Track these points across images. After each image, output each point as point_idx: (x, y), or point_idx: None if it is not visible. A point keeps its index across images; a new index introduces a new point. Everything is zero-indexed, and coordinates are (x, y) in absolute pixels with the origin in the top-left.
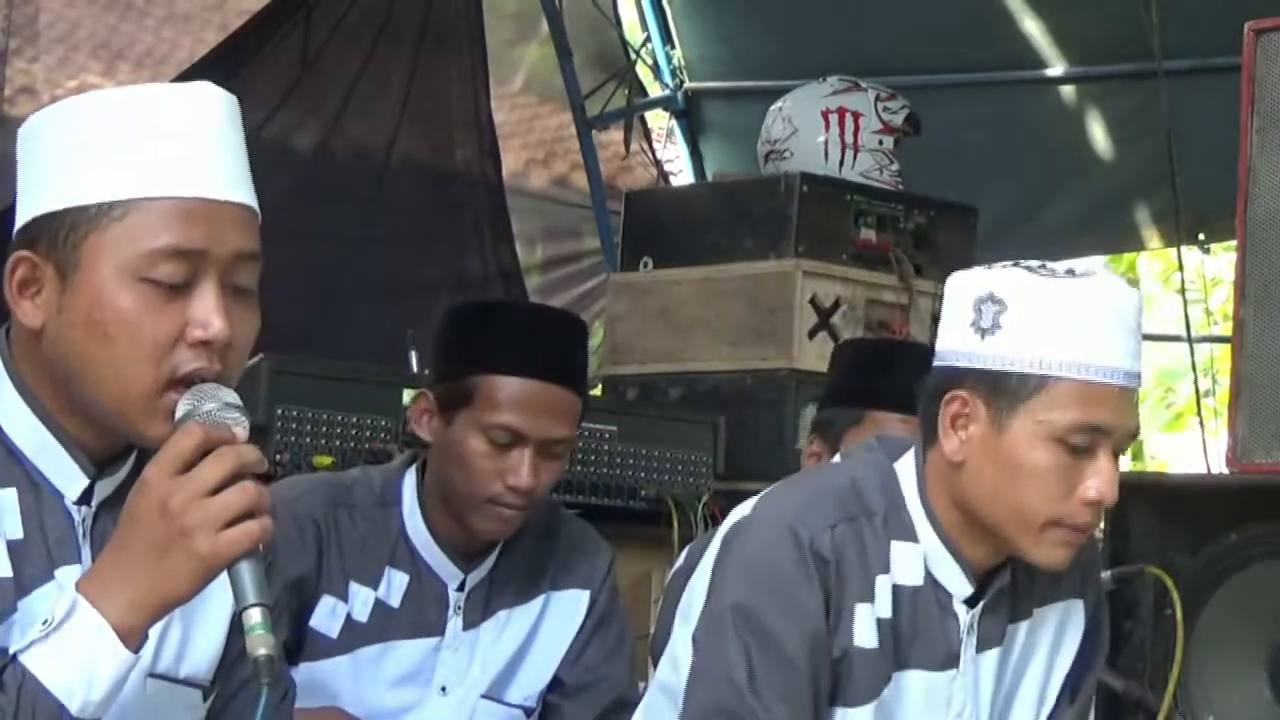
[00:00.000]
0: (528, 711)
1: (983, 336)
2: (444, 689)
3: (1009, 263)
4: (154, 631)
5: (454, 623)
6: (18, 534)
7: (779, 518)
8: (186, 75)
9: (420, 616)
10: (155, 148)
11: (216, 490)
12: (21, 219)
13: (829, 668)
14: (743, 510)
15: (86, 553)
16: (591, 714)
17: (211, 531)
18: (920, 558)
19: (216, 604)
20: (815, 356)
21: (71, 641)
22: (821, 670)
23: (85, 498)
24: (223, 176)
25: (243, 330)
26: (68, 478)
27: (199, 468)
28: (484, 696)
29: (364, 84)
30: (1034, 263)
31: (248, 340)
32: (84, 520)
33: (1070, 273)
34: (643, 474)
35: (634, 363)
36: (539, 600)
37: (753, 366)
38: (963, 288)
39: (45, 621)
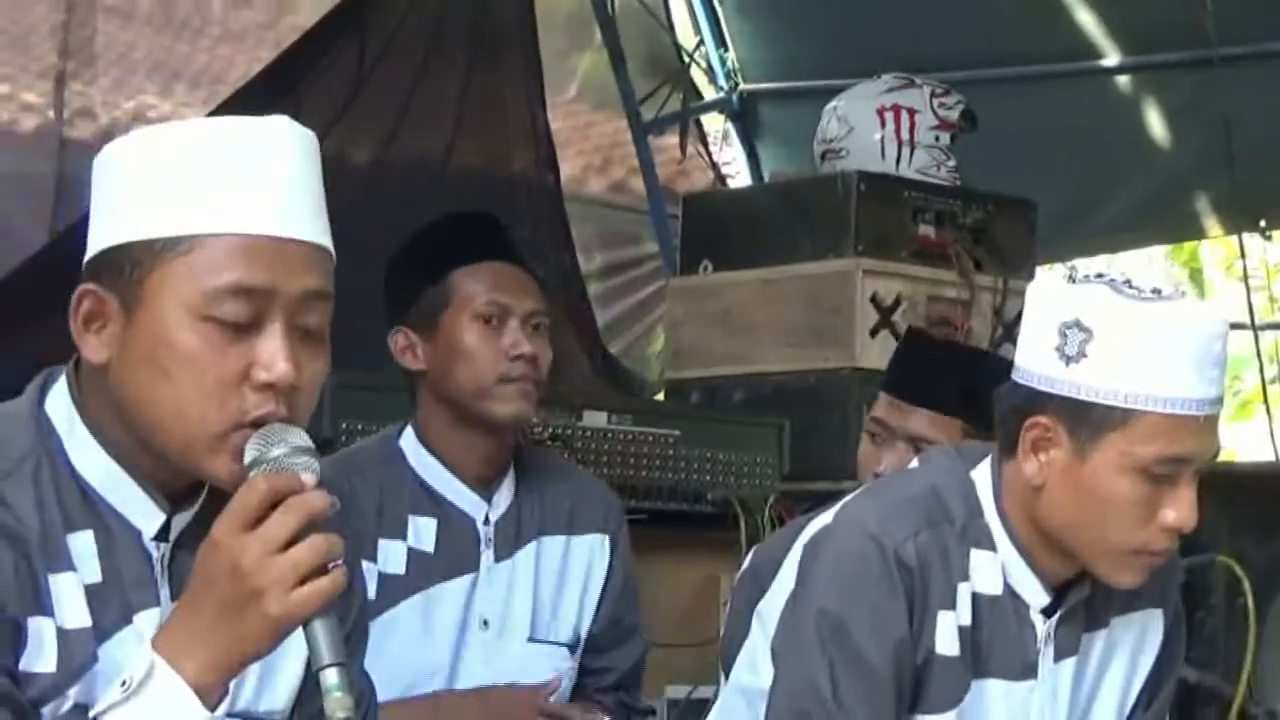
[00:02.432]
0: (571, 649)
1: (1067, 364)
2: (485, 623)
3: (1094, 276)
4: None
5: (486, 555)
6: (96, 578)
7: (862, 526)
8: (242, 93)
9: (455, 556)
10: (223, 183)
11: (288, 545)
12: (91, 250)
13: (911, 676)
14: (824, 519)
15: (165, 593)
16: (629, 665)
17: (283, 592)
18: (999, 567)
19: (295, 636)
20: (877, 355)
21: (151, 704)
22: (904, 679)
23: (162, 534)
24: (293, 213)
25: (310, 373)
26: (144, 515)
27: (268, 523)
28: (530, 640)
29: (419, 97)
30: (1119, 278)
31: (315, 383)
32: (162, 557)
33: (1157, 292)
34: (708, 477)
35: (696, 367)
36: (561, 540)
37: (815, 367)
38: (1047, 306)
39: (124, 683)
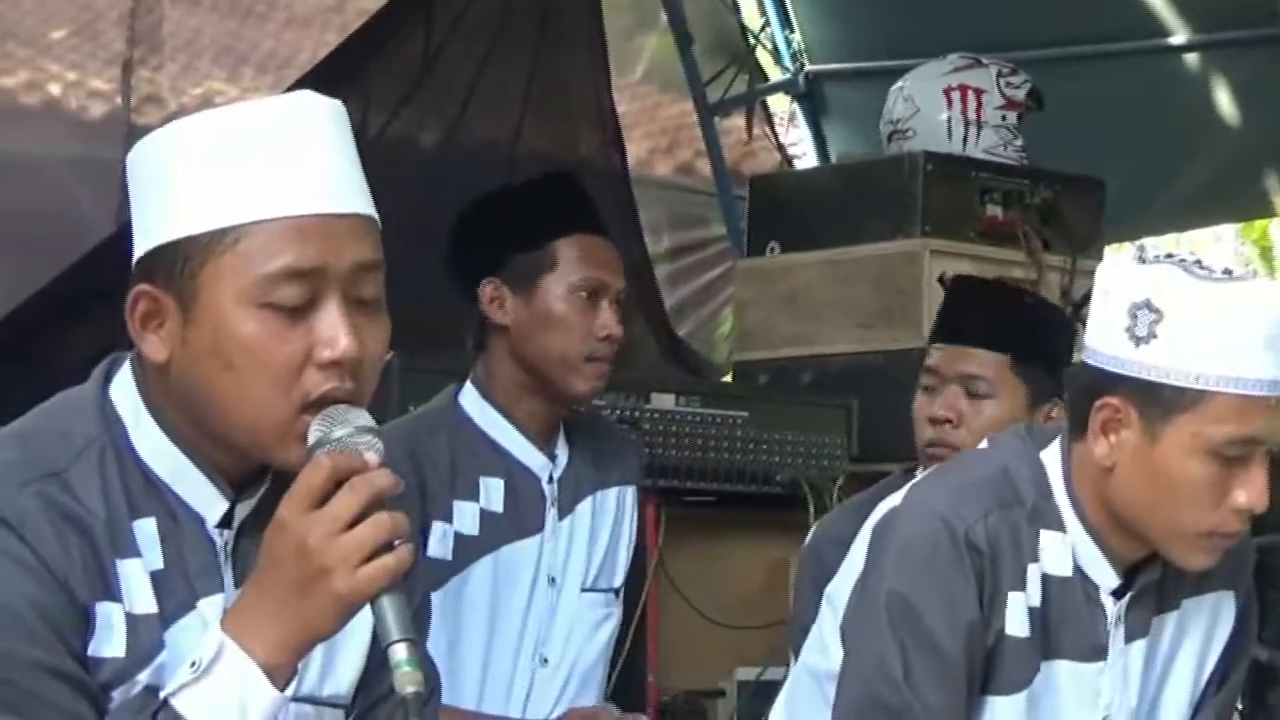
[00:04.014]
0: (616, 592)
1: (1137, 345)
2: (552, 580)
3: (1164, 256)
4: None
5: (551, 514)
6: (160, 564)
7: (932, 508)
8: (308, 77)
9: (522, 516)
10: (260, 168)
11: (353, 524)
12: (138, 251)
13: (982, 657)
14: (893, 500)
15: (229, 578)
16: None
17: (349, 570)
18: (1068, 548)
19: (357, 621)
20: None
21: (222, 683)
22: (975, 660)
23: (225, 521)
24: (333, 188)
25: (372, 344)
26: (208, 502)
27: (332, 502)
28: (585, 590)
29: (485, 80)
30: (1190, 258)
31: (378, 354)
32: (226, 544)
33: (1228, 273)
34: (776, 459)
35: (764, 348)
36: (613, 492)
37: (883, 348)
38: (1117, 287)
39: (193, 664)
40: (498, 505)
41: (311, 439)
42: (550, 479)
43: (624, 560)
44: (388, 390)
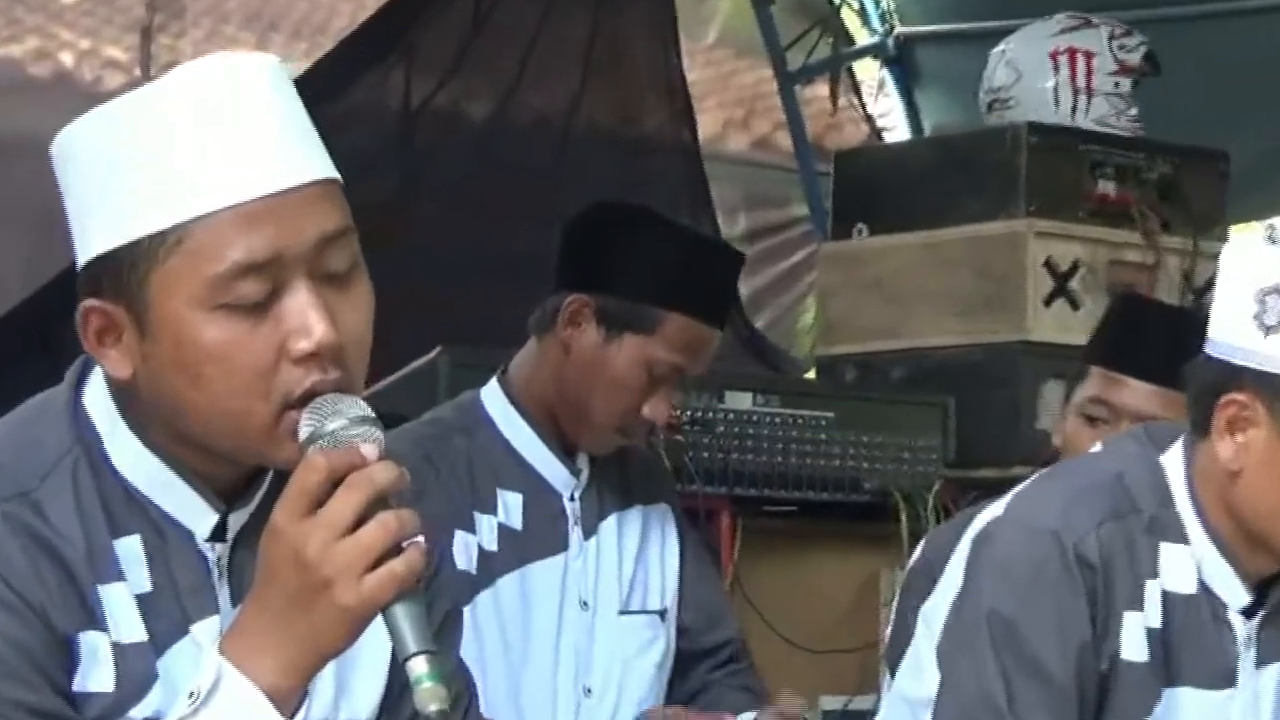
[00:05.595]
0: (662, 615)
1: (1266, 334)
2: (584, 603)
3: None
4: None
5: (575, 533)
6: (146, 586)
7: (1037, 519)
8: (346, 43)
9: (545, 534)
10: (190, 155)
11: (354, 527)
12: (79, 262)
13: (1095, 685)
14: (993, 511)
15: (224, 598)
16: (736, 633)
17: (354, 579)
18: (1192, 562)
19: (372, 638)
20: (1052, 326)
21: (222, 714)
22: (1087, 688)
23: (218, 535)
24: (277, 161)
25: (352, 323)
26: (195, 515)
27: (329, 505)
28: (623, 613)
29: (541, 45)
30: None
31: (362, 330)
32: (219, 559)
33: None
34: (864, 464)
35: (850, 341)
36: (637, 511)
37: (983, 340)
38: (1243, 270)
39: (191, 694)
40: (517, 522)
41: (302, 434)
42: (573, 496)
43: (664, 581)
44: (434, 389)
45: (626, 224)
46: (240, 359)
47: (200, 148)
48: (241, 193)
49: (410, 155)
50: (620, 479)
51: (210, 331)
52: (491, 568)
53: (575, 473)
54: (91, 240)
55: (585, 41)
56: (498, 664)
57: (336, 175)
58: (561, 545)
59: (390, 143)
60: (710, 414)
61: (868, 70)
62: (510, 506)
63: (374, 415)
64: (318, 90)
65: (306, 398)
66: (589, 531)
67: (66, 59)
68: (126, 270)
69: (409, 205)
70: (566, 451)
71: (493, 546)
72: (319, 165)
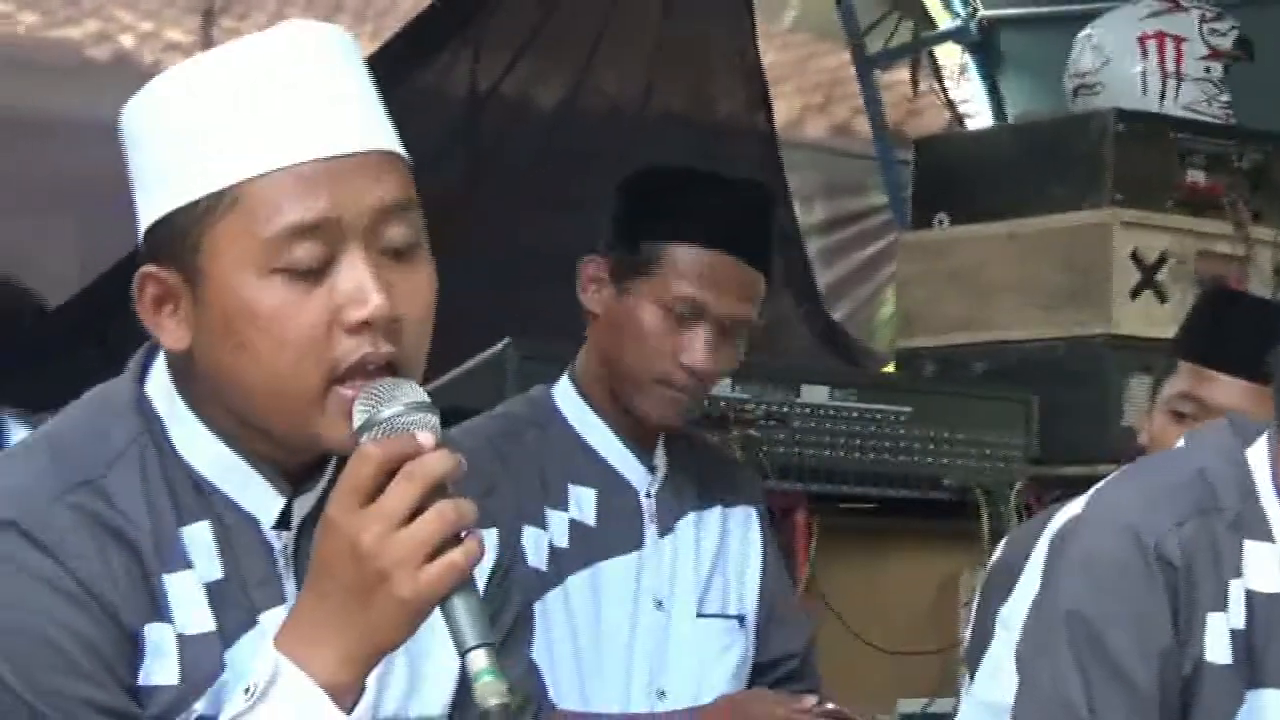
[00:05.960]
0: (741, 621)
1: None
2: (659, 603)
3: None
4: (374, 672)
5: (650, 531)
6: (216, 574)
7: (1117, 517)
8: (411, 26)
9: (619, 531)
10: (251, 115)
11: (411, 517)
12: (141, 231)
13: (1177, 688)
14: (1073, 509)
15: (290, 586)
16: (804, 645)
17: (412, 570)
18: (1277, 560)
19: (445, 633)
20: (1139, 319)
21: (280, 710)
22: (1169, 691)
23: (283, 523)
24: (339, 125)
25: (412, 297)
26: (261, 501)
27: (386, 495)
28: (700, 615)
29: (613, 28)
30: None
31: (423, 307)
32: (285, 547)
33: None
34: (944, 461)
35: (930, 334)
36: (717, 512)
37: (1067, 333)
38: None
39: (248, 690)
40: (590, 518)
41: (356, 421)
42: (649, 493)
43: (744, 587)
44: (501, 381)
45: (635, 179)
46: (291, 326)
47: (258, 109)
48: (297, 153)
49: (476, 142)
50: (701, 477)
51: (262, 296)
52: (561, 565)
53: (651, 468)
54: (151, 205)
55: (658, 25)
56: (567, 664)
57: (400, 150)
58: (636, 543)
59: (456, 130)
60: (786, 408)
61: (949, 54)
62: (583, 502)
63: (429, 401)
64: (381, 76)
65: (357, 370)
66: (665, 529)
67: (127, 41)
68: (180, 235)
69: (474, 194)
70: (643, 446)
71: (564, 543)
72: (381, 136)
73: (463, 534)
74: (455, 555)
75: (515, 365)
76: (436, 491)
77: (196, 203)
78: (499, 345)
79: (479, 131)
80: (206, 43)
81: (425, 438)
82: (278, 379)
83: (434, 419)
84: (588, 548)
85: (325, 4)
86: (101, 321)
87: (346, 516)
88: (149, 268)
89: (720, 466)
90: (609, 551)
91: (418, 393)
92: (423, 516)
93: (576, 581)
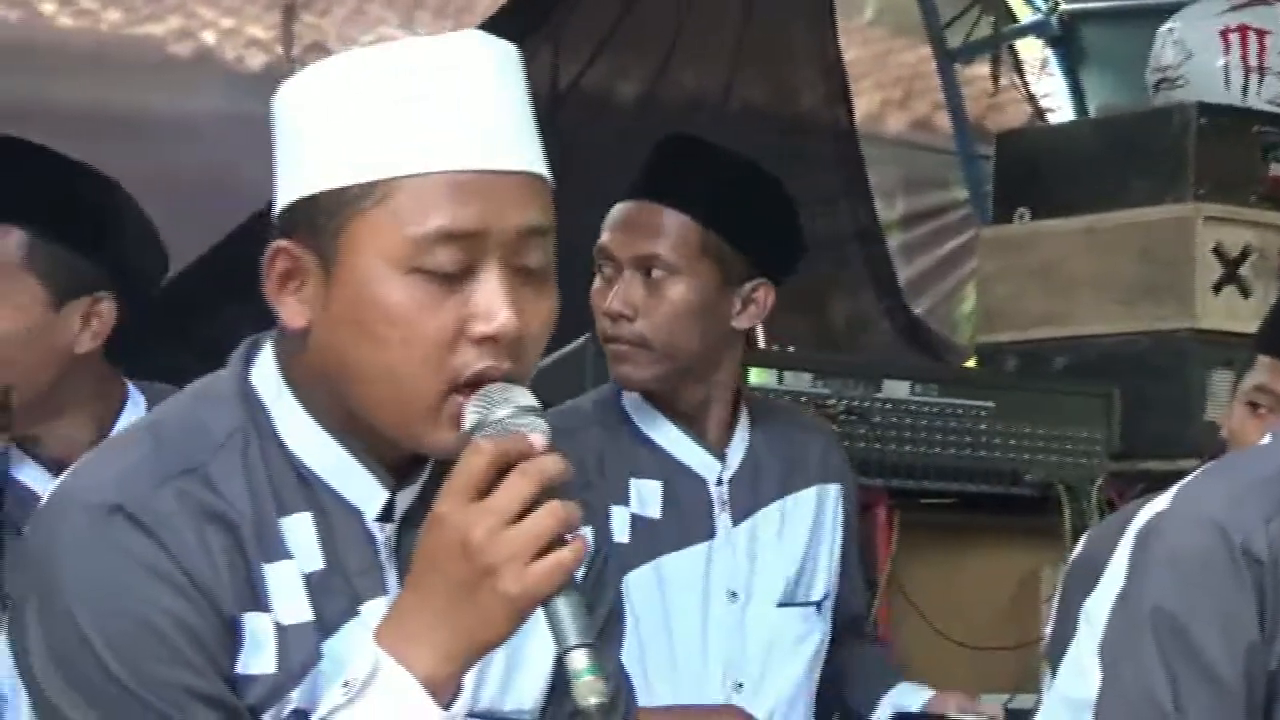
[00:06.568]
0: (819, 605)
1: None
2: (733, 594)
3: None
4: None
5: (723, 520)
6: (317, 564)
7: (1203, 512)
8: (492, 21)
9: (685, 522)
10: (418, 116)
11: (520, 515)
12: (279, 204)
13: (1263, 684)
14: (1158, 504)
15: (392, 579)
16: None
17: (519, 567)
18: None
19: (540, 628)
20: (1222, 314)
21: (378, 705)
22: (1256, 689)
23: (385, 514)
24: (498, 142)
25: (535, 319)
26: (365, 493)
27: (497, 493)
28: (780, 604)
29: (693, 23)
30: None
31: (542, 330)
32: (388, 540)
33: None
34: (1026, 456)
35: (1011, 329)
36: (812, 492)
37: (1149, 328)
38: None
39: (346, 684)
40: (654, 510)
41: (469, 422)
42: (719, 481)
43: (828, 569)
44: (580, 376)
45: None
46: (421, 326)
47: (424, 111)
48: (457, 160)
49: (556, 137)
50: (794, 458)
51: (397, 292)
52: (622, 561)
53: (721, 456)
54: (297, 182)
55: (739, 19)
56: (631, 661)
57: (548, 175)
58: (706, 533)
59: (537, 124)
60: (867, 403)
61: (1030, 49)
62: (645, 495)
63: (539, 407)
64: None
65: (476, 382)
66: (741, 517)
67: (208, 38)
68: (324, 218)
69: (556, 189)
70: (713, 433)
71: (624, 538)
72: (534, 159)
73: (568, 536)
74: (563, 554)
75: (593, 360)
76: (547, 492)
77: (346, 188)
78: (579, 340)
79: (559, 126)
80: (287, 39)
81: (538, 439)
82: (398, 374)
83: (544, 423)
84: (650, 542)
85: (405, 1)
86: (183, 319)
87: (457, 511)
88: (282, 242)
89: (811, 440)
90: (672, 545)
91: (530, 398)
92: (533, 515)
93: (637, 578)
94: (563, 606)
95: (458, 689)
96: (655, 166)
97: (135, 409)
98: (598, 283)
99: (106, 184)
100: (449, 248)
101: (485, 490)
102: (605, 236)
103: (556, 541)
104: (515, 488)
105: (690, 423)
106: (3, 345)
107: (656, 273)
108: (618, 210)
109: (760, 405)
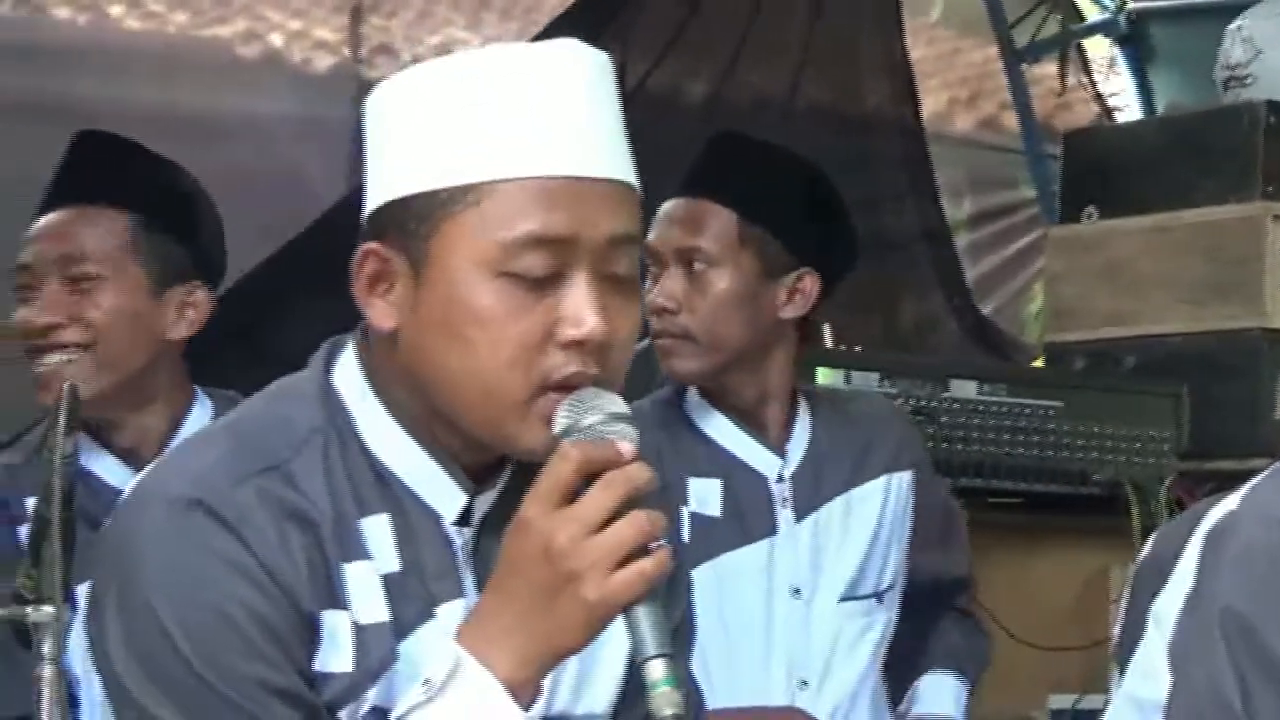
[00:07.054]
0: (881, 597)
1: None
2: (796, 591)
3: None
4: None
5: (785, 516)
6: (394, 566)
7: (1274, 512)
8: (558, 22)
9: (746, 520)
10: (512, 121)
11: (605, 524)
12: (369, 207)
13: None
14: (1228, 504)
15: (469, 581)
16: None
17: (602, 575)
18: None
19: (615, 630)
20: None
21: (458, 704)
22: None
23: (463, 518)
24: (590, 149)
25: (622, 326)
26: (444, 496)
27: (584, 500)
28: (843, 599)
29: (760, 23)
30: None
31: (629, 337)
32: (465, 543)
33: None
34: (1094, 455)
35: (1080, 328)
36: (879, 483)
37: (1218, 327)
38: None
39: (426, 682)
40: (713, 509)
41: (558, 426)
42: (780, 477)
43: (894, 558)
44: (649, 376)
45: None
46: (509, 329)
47: (518, 117)
48: (550, 167)
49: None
50: (861, 448)
51: (487, 296)
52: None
53: (782, 453)
54: (389, 185)
55: (806, 18)
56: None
57: (638, 185)
58: (768, 530)
59: None
60: (933, 402)
61: (1098, 48)
62: (704, 494)
63: (630, 414)
64: None
65: (564, 385)
66: (804, 513)
67: (276, 40)
68: (416, 221)
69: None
70: (773, 429)
71: (683, 537)
72: (625, 168)
73: (652, 546)
74: (646, 564)
75: (658, 363)
76: (633, 501)
77: (438, 191)
78: (647, 340)
79: (627, 128)
80: (355, 41)
81: (626, 447)
82: (487, 376)
83: (635, 432)
84: (709, 540)
85: (472, 2)
86: (249, 321)
87: (543, 516)
88: (373, 244)
89: (886, 433)
90: (732, 543)
91: (620, 405)
92: (618, 523)
93: (696, 575)
94: (644, 616)
95: (536, 691)
96: (697, 163)
97: (203, 410)
98: (647, 281)
99: (193, 179)
100: (539, 253)
101: (571, 496)
102: (650, 235)
103: (639, 551)
104: (601, 496)
105: (748, 419)
106: (108, 325)
107: (698, 265)
108: (661, 209)
109: (824, 398)
